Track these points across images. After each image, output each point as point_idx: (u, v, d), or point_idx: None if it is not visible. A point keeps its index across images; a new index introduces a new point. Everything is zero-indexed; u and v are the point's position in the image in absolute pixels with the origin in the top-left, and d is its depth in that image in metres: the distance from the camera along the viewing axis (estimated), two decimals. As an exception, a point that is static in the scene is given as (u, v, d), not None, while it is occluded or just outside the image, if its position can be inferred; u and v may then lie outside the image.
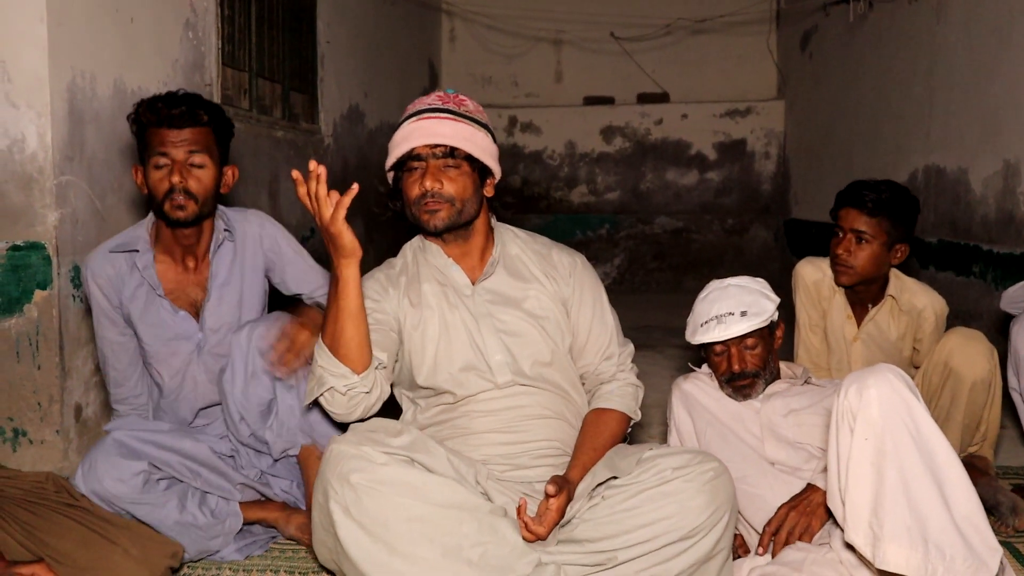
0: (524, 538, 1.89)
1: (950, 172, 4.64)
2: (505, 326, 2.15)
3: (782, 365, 2.45)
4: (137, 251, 2.38)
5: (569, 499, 1.95)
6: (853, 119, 6.30)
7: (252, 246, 2.51)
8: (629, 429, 2.23)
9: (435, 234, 2.14)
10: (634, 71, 8.55)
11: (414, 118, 2.09)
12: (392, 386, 2.21)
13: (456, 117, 2.08)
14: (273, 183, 4.63)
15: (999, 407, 2.79)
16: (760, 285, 2.35)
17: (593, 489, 1.97)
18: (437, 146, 2.06)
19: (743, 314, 2.26)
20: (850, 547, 1.81)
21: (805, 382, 2.39)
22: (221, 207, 2.47)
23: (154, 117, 2.28)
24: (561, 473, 2.02)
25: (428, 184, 2.05)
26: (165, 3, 3.56)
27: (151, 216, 2.42)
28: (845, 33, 6.49)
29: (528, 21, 8.50)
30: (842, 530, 1.81)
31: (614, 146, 8.54)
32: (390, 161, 2.14)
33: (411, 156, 2.08)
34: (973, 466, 2.75)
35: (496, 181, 2.20)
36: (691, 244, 8.39)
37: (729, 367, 2.31)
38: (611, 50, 8.57)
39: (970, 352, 2.68)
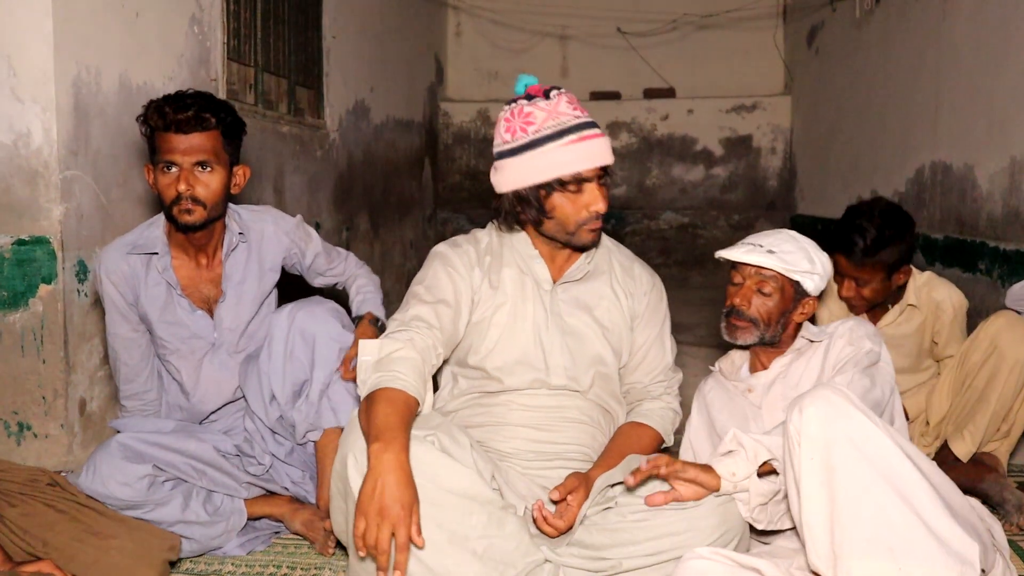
0: (544, 532, 1.90)
1: (956, 168, 4.62)
2: (573, 329, 2.15)
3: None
4: (156, 254, 2.37)
5: (587, 495, 1.95)
6: (859, 115, 6.28)
7: (270, 245, 2.50)
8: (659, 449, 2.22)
9: (584, 249, 2.14)
10: (640, 66, 8.54)
11: (575, 136, 2.00)
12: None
13: (601, 131, 2.06)
14: (279, 178, 4.63)
15: None
16: (813, 249, 2.28)
17: (602, 490, 1.95)
18: (603, 167, 2.03)
19: (770, 252, 2.20)
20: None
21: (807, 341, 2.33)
22: (233, 207, 2.45)
23: (161, 121, 2.23)
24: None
25: (604, 206, 2.03)
26: (170, -2, 3.55)
27: (163, 215, 2.41)
28: (852, 28, 6.47)
29: (534, 16, 8.49)
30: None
31: (620, 141, 8.52)
32: (545, 178, 2.01)
33: (579, 179, 2.01)
34: (981, 462, 2.73)
35: None
36: (697, 240, 8.37)
37: (733, 299, 2.25)
38: (617, 45, 8.56)
39: (1019, 332, 2.65)
